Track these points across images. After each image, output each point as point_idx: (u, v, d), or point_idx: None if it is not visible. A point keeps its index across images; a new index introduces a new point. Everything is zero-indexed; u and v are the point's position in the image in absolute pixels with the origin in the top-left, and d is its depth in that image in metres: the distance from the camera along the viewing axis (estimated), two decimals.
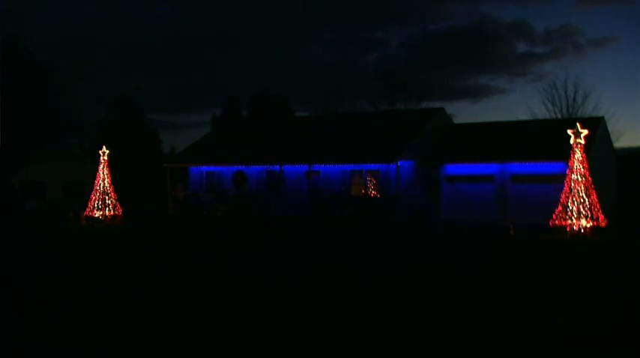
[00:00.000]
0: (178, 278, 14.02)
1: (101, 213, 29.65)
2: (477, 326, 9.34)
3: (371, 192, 32.13)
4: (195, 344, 8.44)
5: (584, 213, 22.32)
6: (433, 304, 11.00)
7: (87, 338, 8.78)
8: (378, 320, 9.71)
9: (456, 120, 42.47)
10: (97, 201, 29.84)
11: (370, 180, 32.28)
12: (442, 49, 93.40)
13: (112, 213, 29.80)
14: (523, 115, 69.84)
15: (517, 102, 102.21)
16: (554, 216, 22.81)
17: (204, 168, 38.02)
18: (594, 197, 22.63)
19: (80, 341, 8.60)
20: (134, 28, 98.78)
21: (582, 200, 22.45)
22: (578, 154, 23.01)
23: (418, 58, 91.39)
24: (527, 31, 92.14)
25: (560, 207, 22.78)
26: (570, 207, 22.51)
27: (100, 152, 30.79)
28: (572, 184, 22.76)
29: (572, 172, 22.89)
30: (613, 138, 35.92)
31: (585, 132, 23.27)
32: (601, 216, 22.44)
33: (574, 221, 22.36)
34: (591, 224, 22.25)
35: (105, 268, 15.59)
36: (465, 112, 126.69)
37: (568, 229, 22.42)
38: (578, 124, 23.57)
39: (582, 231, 22.20)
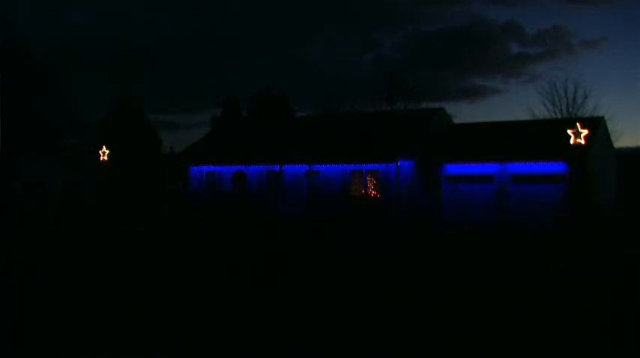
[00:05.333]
0: (176, 277, 14.05)
1: (101, 213, 29.67)
2: (472, 320, 9.37)
3: (371, 192, 32.15)
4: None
5: (583, 212, 22.36)
6: (432, 307, 11.02)
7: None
8: (378, 319, 9.75)
9: (453, 121, 42.41)
10: (96, 201, 29.87)
11: (370, 180, 32.28)
12: (438, 50, 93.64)
13: (111, 212, 29.82)
14: (522, 115, 69.91)
15: (512, 103, 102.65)
16: (554, 216, 22.84)
17: (204, 168, 38.03)
18: (594, 197, 22.66)
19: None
20: (134, 28, 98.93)
21: (582, 200, 22.48)
22: (578, 154, 23.05)
23: (416, 59, 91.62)
24: (520, 32, 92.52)
25: (559, 207, 22.81)
26: (570, 207, 22.54)
27: (100, 152, 30.82)
28: (572, 184, 22.79)
29: (572, 172, 22.93)
30: (613, 138, 35.97)
31: (585, 132, 23.33)
32: (601, 216, 22.47)
33: (573, 221, 22.40)
34: (591, 224, 22.29)
35: (108, 267, 15.62)
36: (461, 113, 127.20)
37: (568, 229, 22.47)
38: (578, 124, 23.62)
39: (581, 230, 22.23)
